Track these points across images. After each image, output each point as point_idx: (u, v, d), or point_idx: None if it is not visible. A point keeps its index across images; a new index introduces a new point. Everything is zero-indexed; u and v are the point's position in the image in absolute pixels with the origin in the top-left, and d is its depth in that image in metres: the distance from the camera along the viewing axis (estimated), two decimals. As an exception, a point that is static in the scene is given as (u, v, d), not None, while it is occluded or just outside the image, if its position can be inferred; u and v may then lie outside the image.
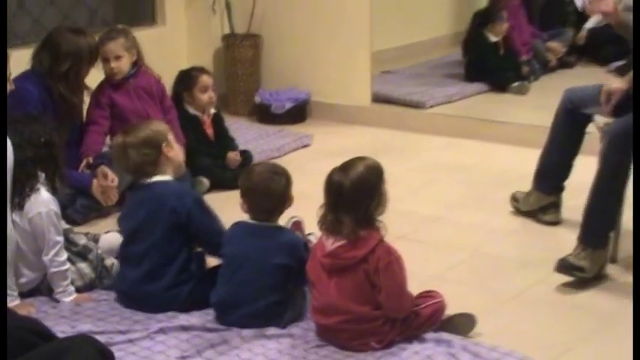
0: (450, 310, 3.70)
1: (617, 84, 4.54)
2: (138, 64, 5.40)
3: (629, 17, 4.43)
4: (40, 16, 6.11)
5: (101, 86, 5.37)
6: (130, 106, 5.32)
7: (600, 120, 4.67)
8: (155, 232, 3.82)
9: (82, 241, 4.14)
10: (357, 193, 3.46)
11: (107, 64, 5.29)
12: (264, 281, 3.65)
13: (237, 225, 3.81)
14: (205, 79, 5.64)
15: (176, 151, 4.01)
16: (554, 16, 8.64)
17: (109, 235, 4.13)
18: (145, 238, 3.84)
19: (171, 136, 4.00)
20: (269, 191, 3.71)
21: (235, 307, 3.68)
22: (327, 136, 6.54)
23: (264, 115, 6.89)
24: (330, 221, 3.50)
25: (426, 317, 3.59)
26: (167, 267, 3.82)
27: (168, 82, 5.70)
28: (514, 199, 5.12)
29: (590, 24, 8.35)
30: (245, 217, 3.79)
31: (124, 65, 5.31)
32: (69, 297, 3.91)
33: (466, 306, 3.78)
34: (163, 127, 4.04)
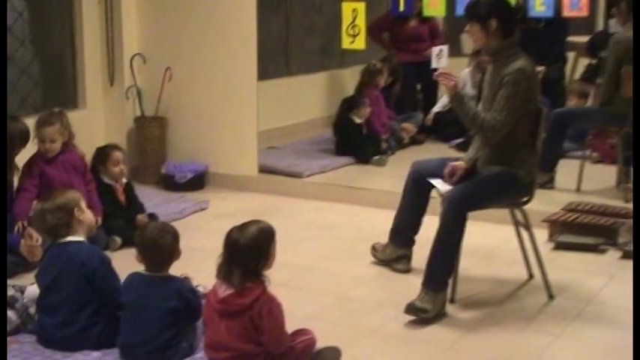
0: (320, 344, 3.69)
1: (460, 164, 4.61)
2: (68, 143, 5.32)
3: (469, 101, 4.53)
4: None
5: (34, 158, 5.26)
6: (58, 177, 5.23)
7: (441, 187, 4.74)
8: (67, 285, 3.75)
9: (10, 292, 4.04)
10: (248, 252, 3.45)
11: (42, 144, 5.21)
12: (159, 322, 3.60)
13: (133, 276, 3.76)
14: (116, 155, 5.59)
15: (87, 215, 3.95)
16: (406, 102, 8.74)
17: (33, 286, 4.01)
18: (59, 291, 3.77)
19: (82, 202, 3.94)
20: (157, 246, 3.68)
21: (138, 346, 3.62)
22: (221, 201, 6.50)
23: (169, 183, 6.82)
24: (225, 271, 3.49)
25: (299, 351, 3.57)
26: (79, 314, 3.74)
27: (88, 156, 5.62)
28: (374, 248, 5.14)
29: (436, 108, 8.49)
30: (142, 267, 3.75)
31: (56, 147, 5.23)
32: (-3, 341, 3.82)
33: (333, 341, 3.78)
34: (76, 194, 3.99)
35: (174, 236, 3.75)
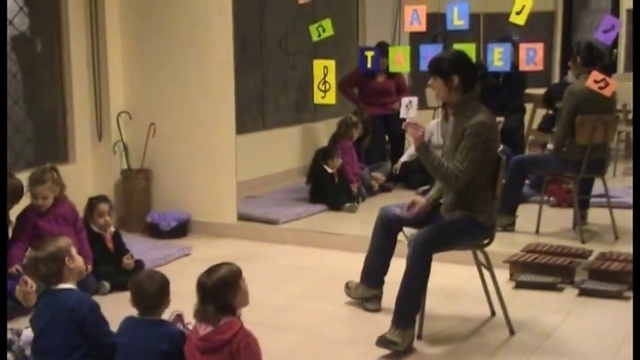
0: (296, 379, 3.77)
1: (420, 199, 4.74)
2: (59, 196, 5.38)
3: (434, 151, 4.61)
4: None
5: (27, 212, 5.32)
6: (49, 229, 5.25)
7: (407, 231, 4.82)
8: (58, 330, 3.76)
9: (8, 335, 4.07)
10: (217, 289, 3.51)
11: (35, 200, 5.27)
12: (150, 363, 3.65)
13: (127, 319, 3.80)
14: (101, 207, 5.63)
15: (77, 262, 3.97)
16: (375, 152, 8.80)
17: (28, 329, 4.02)
18: (50, 335, 3.78)
19: (73, 250, 3.98)
20: (144, 292, 3.72)
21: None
22: (203, 247, 6.53)
23: (154, 231, 6.85)
24: (199, 312, 3.55)
25: (277, 386, 3.64)
26: (69, 357, 3.75)
27: (79, 207, 5.67)
28: (347, 287, 5.17)
29: (404, 158, 8.54)
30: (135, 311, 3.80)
31: (48, 202, 5.30)
32: (-5, 381, 3.85)
33: (308, 375, 3.85)
34: (66, 242, 4.00)
35: (162, 283, 3.78)
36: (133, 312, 3.82)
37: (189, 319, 3.95)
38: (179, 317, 3.99)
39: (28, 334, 4.04)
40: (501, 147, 6.53)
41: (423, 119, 8.79)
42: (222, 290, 3.52)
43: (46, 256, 3.88)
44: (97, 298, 4.29)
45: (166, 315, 3.89)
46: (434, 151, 4.62)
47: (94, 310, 3.85)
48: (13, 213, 5.27)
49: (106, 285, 5.37)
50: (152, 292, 3.74)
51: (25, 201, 5.32)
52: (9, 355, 3.98)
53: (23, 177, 5.31)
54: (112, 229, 5.73)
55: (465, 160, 4.45)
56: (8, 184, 4.93)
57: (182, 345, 3.67)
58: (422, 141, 4.52)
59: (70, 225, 5.40)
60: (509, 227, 6.59)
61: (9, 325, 4.37)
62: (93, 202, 5.68)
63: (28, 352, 4.00)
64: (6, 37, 6.13)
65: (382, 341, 4.31)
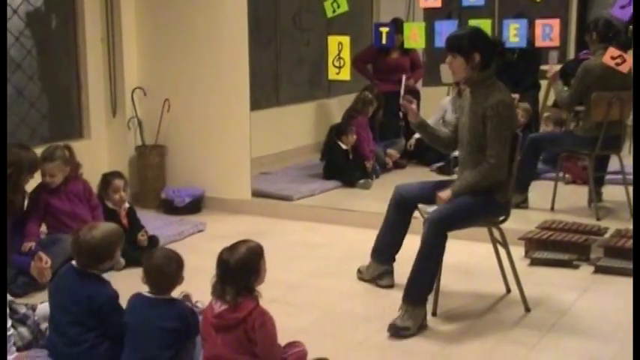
0: (310, 356, 3.72)
1: (445, 195, 4.55)
2: (70, 174, 5.35)
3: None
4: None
5: (38, 189, 5.33)
6: (61, 206, 5.30)
7: (423, 208, 4.77)
8: (75, 311, 3.74)
9: (23, 310, 4.07)
10: (239, 271, 3.47)
11: (43, 176, 5.27)
12: (160, 342, 3.60)
13: (136, 297, 3.74)
14: (117, 183, 5.62)
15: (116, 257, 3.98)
16: (389, 129, 8.76)
17: (43, 304, 4.02)
18: (67, 314, 3.76)
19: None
20: (162, 273, 3.68)
21: (142, 363, 3.64)
22: (217, 223, 6.51)
23: (169, 207, 6.84)
24: (218, 290, 3.52)
25: (291, 362, 3.59)
26: (86, 334, 3.74)
27: (93, 184, 5.66)
28: (359, 271, 5.14)
29: (417, 135, 8.46)
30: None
31: (57, 180, 5.29)
32: (11, 355, 3.81)
33: (322, 352, 3.82)
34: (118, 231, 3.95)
35: (179, 263, 3.74)
36: (145, 288, 3.79)
37: (199, 297, 3.93)
38: (187, 297, 3.97)
39: (43, 308, 4.04)
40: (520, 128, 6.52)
41: (437, 96, 8.77)
42: (243, 274, 3.49)
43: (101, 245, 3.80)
44: (111, 274, 4.26)
45: (174, 295, 3.84)
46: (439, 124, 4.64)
47: (112, 299, 3.80)
48: (29, 188, 5.26)
49: (121, 261, 5.34)
50: (169, 274, 3.70)
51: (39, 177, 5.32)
52: (24, 329, 3.98)
53: (39, 153, 5.28)
54: (127, 205, 5.72)
55: (494, 145, 4.43)
56: (24, 156, 4.92)
57: (192, 323, 3.66)
58: (418, 119, 4.57)
59: (85, 202, 5.39)
60: (522, 204, 6.55)
61: (24, 301, 4.38)
62: (107, 178, 5.67)
63: (43, 326, 4.00)
64: (6, 37, 6.07)
65: (394, 330, 4.28)
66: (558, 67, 6.94)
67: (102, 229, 3.85)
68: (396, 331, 4.26)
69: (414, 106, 4.68)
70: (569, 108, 6.46)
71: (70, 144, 5.64)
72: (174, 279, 3.72)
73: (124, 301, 3.79)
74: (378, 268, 5.00)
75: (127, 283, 3.97)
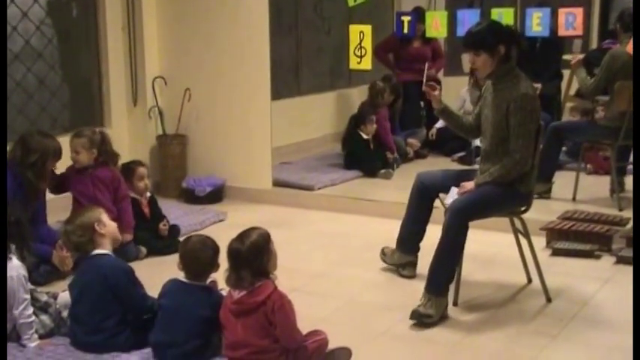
0: (332, 345, 3.72)
1: (469, 185, 4.55)
2: (98, 159, 5.35)
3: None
4: (12, 123, 6.03)
5: (69, 167, 5.38)
6: (84, 190, 5.29)
7: (444, 198, 4.77)
8: (92, 298, 3.80)
9: (44, 298, 4.10)
10: (252, 254, 3.52)
11: (72, 154, 5.30)
12: (192, 328, 3.65)
13: (172, 282, 3.81)
14: (141, 171, 5.62)
15: (109, 228, 3.99)
16: (411, 119, 8.75)
17: (65, 293, 4.05)
18: (85, 302, 3.82)
19: (104, 216, 3.99)
20: (198, 259, 3.74)
21: (168, 347, 3.67)
22: (238, 212, 6.52)
23: (190, 197, 6.86)
24: (234, 279, 3.55)
25: (312, 350, 3.61)
26: (105, 323, 3.79)
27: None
28: (383, 253, 5.14)
29: (439, 124, 8.44)
30: (181, 274, 3.80)
31: (81, 158, 5.29)
32: (33, 343, 3.86)
33: (344, 341, 3.81)
34: (95, 211, 4.02)
35: (215, 251, 3.79)
36: (170, 275, 3.84)
37: (221, 286, 3.95)
38: (213, 284, 4.00)
39: (64, 297, 4.07)
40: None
41: (459, 85, 8.74)
42: (256, 255, 3.53)
43: (75, 226, 3.92)
44: (133, 263, 4.29)
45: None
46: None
47: (127, 274, 3.88)
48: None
49: (143, 250, 5.38)
50: (205, 261, 3.75)
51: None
52: (46, 318, 4.01)
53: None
54: (148, 194, 5.73)
55: (519, 139, 4.41)
56: (48, 144, 4.95)
57: None
58: (439, 103, 4.54)
59: (110, 191, 5.34)
60: (545, 194, 6.52)
61: (45, 289, 4.41)
62: (130, 166, 5.66)
63: (64, 314, 4.03)
64: (6, 37, 6.09)
65: (415, 315, 4.28)
66: (582, 55, 6.88)
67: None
68: (419, 318, 4.26)
69: (437, 92, 4.67)
70: (593, 96, 6.41)
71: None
72: (210, 265, 3.77)
73: (148, 290, 3.81)
74: (402, 258, 5.00)
75: (149, 272, 4.03)
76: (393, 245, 5.06)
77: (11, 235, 3.91)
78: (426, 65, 5.38)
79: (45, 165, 4.95)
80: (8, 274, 3.82)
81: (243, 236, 3.58)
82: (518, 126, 4.40)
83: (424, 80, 4.90)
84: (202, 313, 3.67)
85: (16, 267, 3.87)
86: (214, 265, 3.78)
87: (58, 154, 5.03)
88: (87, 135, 5.32)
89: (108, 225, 4.00)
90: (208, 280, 3.91)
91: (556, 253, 5.44)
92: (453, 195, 4.59)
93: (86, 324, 3.83)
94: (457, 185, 4.63)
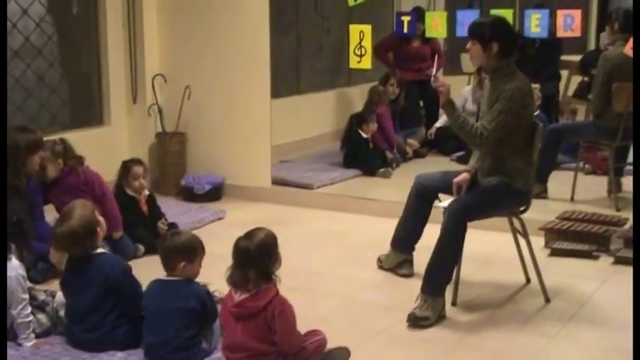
0: (330, 345, 3.70)
1: (465, 176, 4.54)
2: (65, 169, 5.20)
3: (458, 109, 4.51)
4: (10, 119, 5.91)
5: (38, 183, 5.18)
6: (63, 199, 4.91)
7: (443, 198, 4.72)
8: (92, 296, 3.78)
9: (42, 296, 4.06)
10: (260, 255, 3.48)
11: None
12: (178, 323, 3.63)
13: (153, 283, 3.79)
14: (136, 170, 5.54)
15: (103, 226, 3.99)
16: (410, 118, 8.72)
17: (62, 291, 4.06)
18: (84, 300, 3.80)
19: (98, 215, 3.96)
20: (172, 252, 3.74)
21: (161, 346, 3.64)
22: (237, 211, 6.49)
23: (189, 195, 6.82)
24: (238, 277, 3.50)
25: (311, 351, 3.58)
26: (104, 319, 3.77)
27: (113, 170, 5.65)
28: (379, 260, 5.12)
29: (438, 124, 8.46)
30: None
31: (50, 172, 5.14)
32: (30, 342, 3.83)
33: (342, 341, 3.79)
34: (90, 209, 3.95)
35: (191, 239, 3.80)
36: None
37: (219, 284, 3.92)
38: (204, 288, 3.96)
39: (62, 295, 4.02)
40: (537, 112, 6.47)
41: (458, 85, 8.69)
42: (264, 255, 3.49)
43: (80, 230, 3.83)
44: (131, 261, 4.26)
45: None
46: (459, 109, 4.56)
47: (126, 273, 3.86)
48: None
49: (141, 248, 5.34)
50: (174, 248, 3.73)
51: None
52: (43, 316, 3.98)
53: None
54: (147, 192, 5.68)
55: (493, 121, 4.37)
56: (19, 139, 4.79)
57: (209, 304, 3.70)
58: (449, 97, 4.42)
59: (86, 193, 5.11)
60: (542, 195, 6.49)
61: (43, 287, 4.37)
62: (127, 165, 5.61)
63: (62, 312, 4.00)
64: (6, 37, 6.04)
65: (412, 318, 4.25)
66: None
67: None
68: (415, 321, 4.23)
69: (447, 87, 4.44)
70: (602, 106, 6.35)
71: (91, 131, 5.57)
72: (181, 254, 3.74)
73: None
74: (398, 257, 4.97)
75: (147, 270, 3.99)
76: (388, 247, 5.03)
77: (11, 234, 3.87)
78: (436, 58, 5.34)
79: (18, 162, 4.79)
80: (7, 274, 3.79)
81: (251, 235, 3.53)
82: (498, 111, 4.36)
83: (433, 72, 4.82)
84: (185, 305, 3.66)
85: (15, 267, 3.84)
86: (184, 254, 3.73)
87: (31, 147, 4.85)
88: (48, 148, 5.13)
89: (102, 223, 3.99)
90: (202, 284, 3.88)
91: (554, 253, 5.42)
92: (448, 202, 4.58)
93: (85, 322, 3.80)
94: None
